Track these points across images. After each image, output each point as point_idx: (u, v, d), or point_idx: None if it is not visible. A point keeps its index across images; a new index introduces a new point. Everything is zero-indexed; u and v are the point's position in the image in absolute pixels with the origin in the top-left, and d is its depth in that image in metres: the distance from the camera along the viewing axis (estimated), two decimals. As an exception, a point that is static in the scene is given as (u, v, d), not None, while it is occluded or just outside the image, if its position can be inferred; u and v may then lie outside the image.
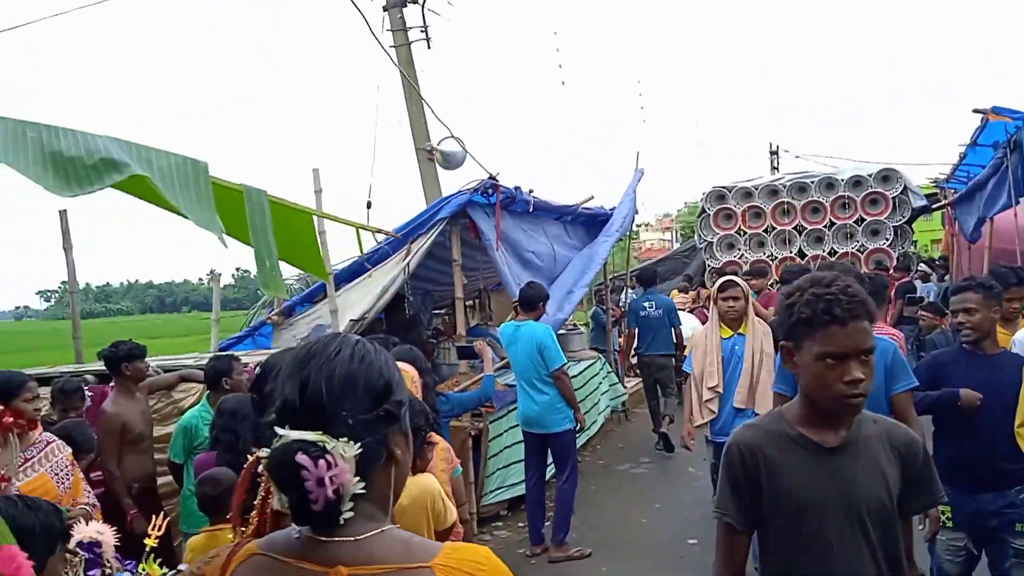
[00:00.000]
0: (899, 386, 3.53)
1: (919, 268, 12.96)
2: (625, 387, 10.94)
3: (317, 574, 1.17)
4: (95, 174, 1.23)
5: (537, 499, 6.23)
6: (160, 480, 5.31)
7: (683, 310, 10.61)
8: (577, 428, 6.11)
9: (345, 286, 7.39)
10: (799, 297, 1.97)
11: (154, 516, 3.18)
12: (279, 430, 1.18)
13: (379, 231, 3.07)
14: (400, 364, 3.46)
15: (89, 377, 5.74)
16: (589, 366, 9.32)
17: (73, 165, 1.22)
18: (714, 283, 8.66)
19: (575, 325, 10.87)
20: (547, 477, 6.49)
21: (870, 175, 13.21)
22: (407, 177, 10.97)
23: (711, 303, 5.38)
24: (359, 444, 1.17)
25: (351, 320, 7.06)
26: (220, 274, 8.30)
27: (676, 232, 46.50)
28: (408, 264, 7.08)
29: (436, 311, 10.48)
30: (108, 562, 2.22)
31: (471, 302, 11.39)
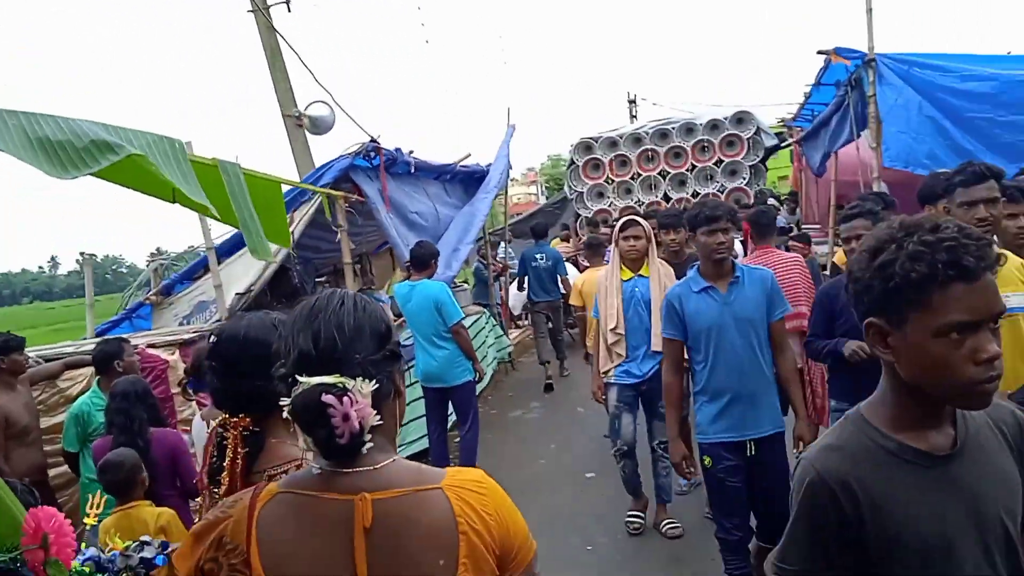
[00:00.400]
0: (778, 312, 3.76)
1: (770, 204, 13.81)
2: (509, 339, 11.23)
3: (343, 502, 1.27)
4: (89, 156, 1.25)
5: (441, 452, 6.38)
6: (53, 472, 5.13)
7: (568, 259, 11.07)
8: (476, 379, 6.29)
9: (226, 260, 7.21)
10: (897, 251, 1.39)
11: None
12: (299, 378, 1.27)
13: (347, 197, 3.05)
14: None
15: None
16: (476, 320, 9.51)
17: (63, 149, 1.23)
18: (591, 229, 8.93)
19: (460, 282, 11.01)
20: (448, 429, 6.66)
21: (726, 118, 13.91)
22: (278, 145, 10.67)
23: (612, 244, 5.18)
24: (373, 381, 1.28)
25: (236, 294, 6.93)
26: (93, 255, 7.87)
27: (541, 185, 47.23)
28: (293, 233, 6.97)
29: (318, 279, 10.36)
30: (112, 540, 2.22)
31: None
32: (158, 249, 9.84)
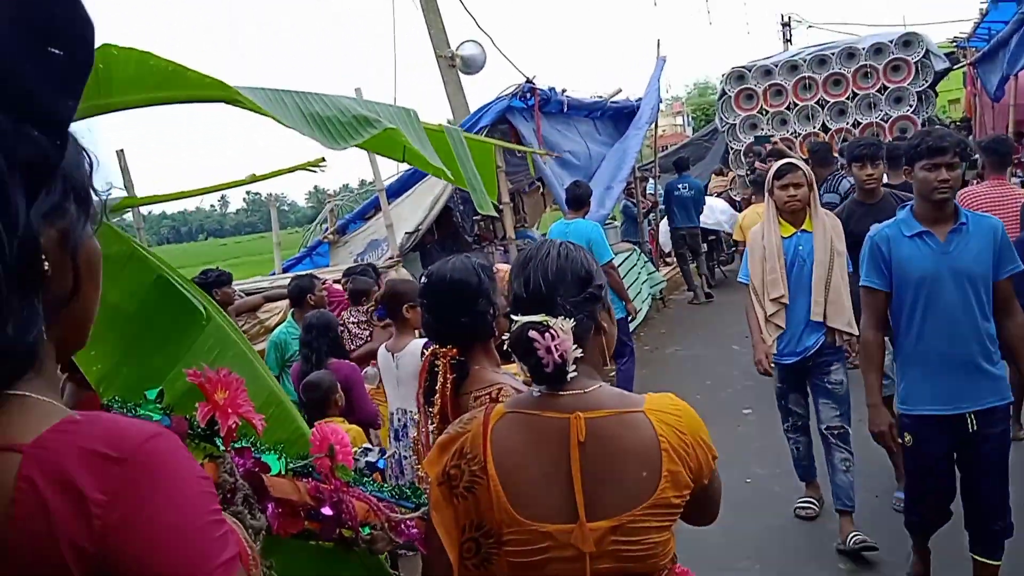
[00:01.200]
0: (1007, 269, 3.20)
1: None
2: (661, 275, 11.31)
3: (560, 420, 1.51)
4: (353, 130, 1.52)
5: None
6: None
7: (719, 194, 11.08)
8: (630, 317, 6.47)
9: (395, 200, 7.67)
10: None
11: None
12: (514, 316, 1.52)
13: (544, 154, 3.30)
14: (502, 265, 3.85)
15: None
16: (627, 258, 9.64)
17: (332, 123, 1.51)
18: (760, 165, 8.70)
19: (609, 220, 11.14)
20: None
21: (891, 41, 13.11)
22: (431, 85, 11.02)
23: (766, 195, 4.35)
24: (573, 320, 1.51)
25: (406, 233, 7.39)
26: (259, 195, 8.55)
27: (687, 115, 45.89)
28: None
29: (475, 217, 10.76)
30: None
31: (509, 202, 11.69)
32: (315, 187, 10.52)
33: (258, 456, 1.35)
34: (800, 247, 4.19)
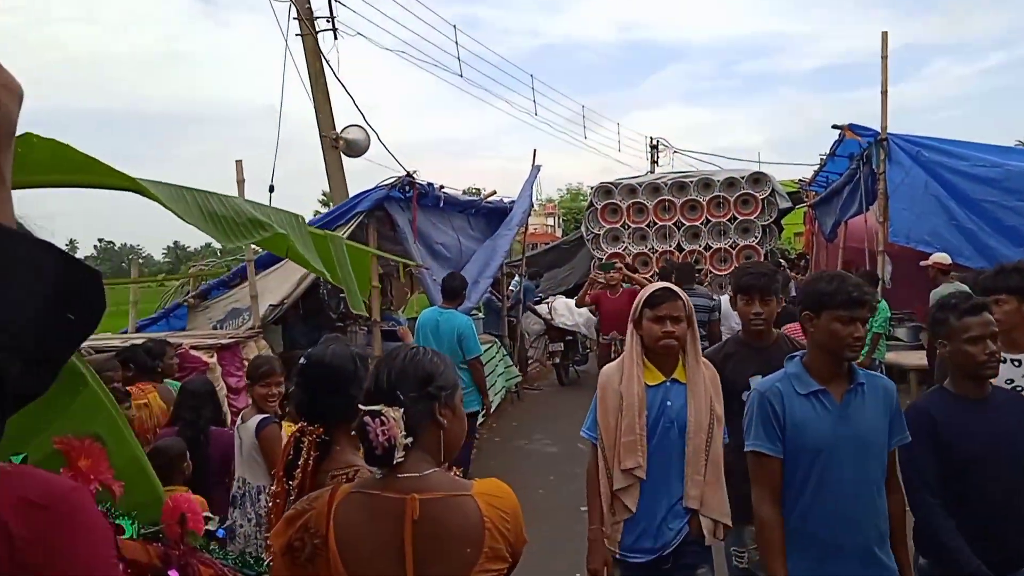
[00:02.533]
0: (897, 439, 2.82)
1: (779, 265, 14.28)
2: (517, 370, 11.66)
3: (397, 500, 1.72)
4: (247, 231, 1.73)
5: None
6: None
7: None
8: (483, 412, 6.70)
9: (263, 272, 7.71)
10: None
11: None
12: (361, 407, 1.75)
13: (417, 265, 3.53)
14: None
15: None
16: (487, 349, 9.94)
17: (228, 222, 1.72)
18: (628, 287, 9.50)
19: (473, 312, 11.49)
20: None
21: (743, 177, 14.40)
22: (307, 161, 11.23)
23: (630, 326, 3.28)
24: (402, 410, 1.74)
25: (270, 305, 7.41)
26: (112, 243, 8.38)
27: (559, 217, 47.73)
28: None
29: (342, 294, 10.85)
30: None
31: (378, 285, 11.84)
32: (175, 243, 10.36)
33: (113, 520, 1.49)
34: (668, 403, 3.16)
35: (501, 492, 1.82)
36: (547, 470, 8.09)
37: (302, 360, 2.41)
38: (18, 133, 0.93)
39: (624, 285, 9.45)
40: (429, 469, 1.78)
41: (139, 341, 6.22)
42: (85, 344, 5.91)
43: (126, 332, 7.65)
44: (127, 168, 1.70)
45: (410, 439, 1.74)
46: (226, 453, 4.21)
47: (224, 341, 6.27)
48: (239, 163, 7.13)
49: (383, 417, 1.71)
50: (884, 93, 9.97)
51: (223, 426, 4.69)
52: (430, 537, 1.71)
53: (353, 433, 1.79)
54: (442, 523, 1.72)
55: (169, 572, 1.56)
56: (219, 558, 1.75)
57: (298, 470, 2.26)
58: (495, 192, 10.61)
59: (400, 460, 1.73)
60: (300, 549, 1.72)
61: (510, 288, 12.54)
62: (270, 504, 2.37)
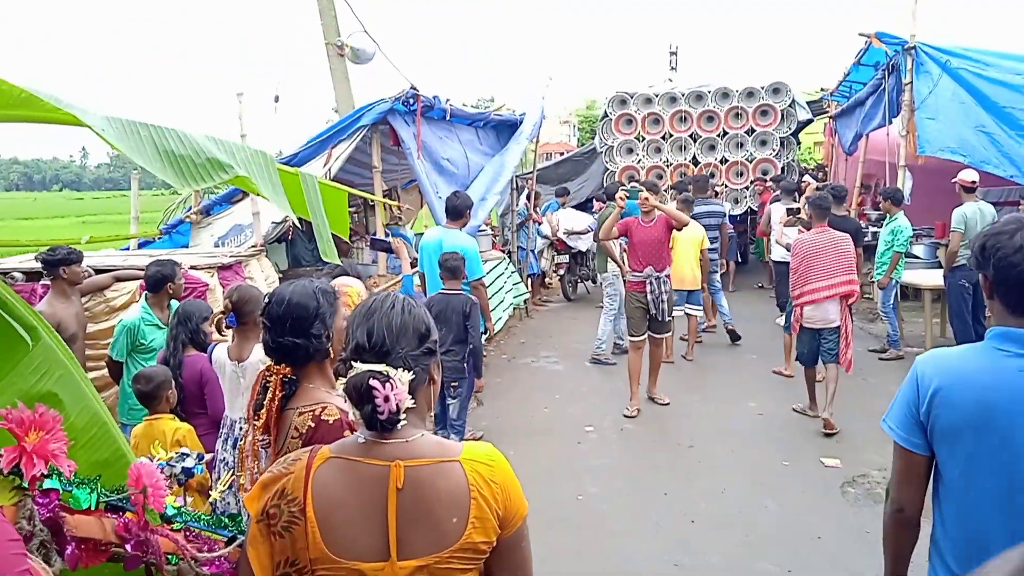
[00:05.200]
0: None
1: (803, 179, 13.87)
2: (526, 287, 11.58)
3: (381, 467, 1.62)
4: (206, 172, 1.57)
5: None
6: (92, 375, 5.53)
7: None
8: (486, 335, 6.61)
9: (265, 188, 7.54)
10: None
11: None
12: (355, 364, 1.61)
13: (397, 205, 3.36)
14: (346, 280, 3.88)
15: (17, 275, 5.82)
16: (495, 266, 9.84)
17: (185, 163, 1.56)
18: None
19: (483, 226, 11.32)
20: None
21: (762, 87, 13.91)
22: (317, 73, 10.89)
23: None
24: (411, 372, 1.62)
25: (272, 222, 7.28)
26: (138, 171, 8.19)
27: (574, 126, 46.82)
28: (330, 168, 7.29)
29: (349, 208, 10.68)
30: (156, 451, 2.61)
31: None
32: (137, 170, 10.12)
33: (64, 499, 1.38)
34: None
35: (491, 459, 1.70)
36: (553, 388, 8.09)
37: (265, 299, 2.30)
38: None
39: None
40: (416, 432, 1.68)
41: (142, 259, 6.14)
42: (88, 262, 5.82)
43: (127, 249, 7.56)
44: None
45: (413, 402, 1.63)
46: (199, 379, 4.13)
47: (225, 260, 6.15)
48: (240, 95, 6.87)
49: (392, 381, 1.58)
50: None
51: (204, 350, 4.58)
52: (415, 506, 1.61)
53: (341, 391, 1.66)
54: (427, 491, 1.62)
55: (126, 547, 1.46)
56: (191, 521, 1.65)
57: (264, 409, 2.18)
58: (504, 105, 10.26)
59: (403, 425, 1.62)
60: (276, 516, 1.62)
61: (520, 203, 12.32)
62: (243, 442, 2.30)
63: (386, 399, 1.57)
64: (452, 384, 5.89)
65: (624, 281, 7.78)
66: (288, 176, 1.87)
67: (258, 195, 1.76)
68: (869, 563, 4.07)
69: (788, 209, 9.02)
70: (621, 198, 7.00)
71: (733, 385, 7.99)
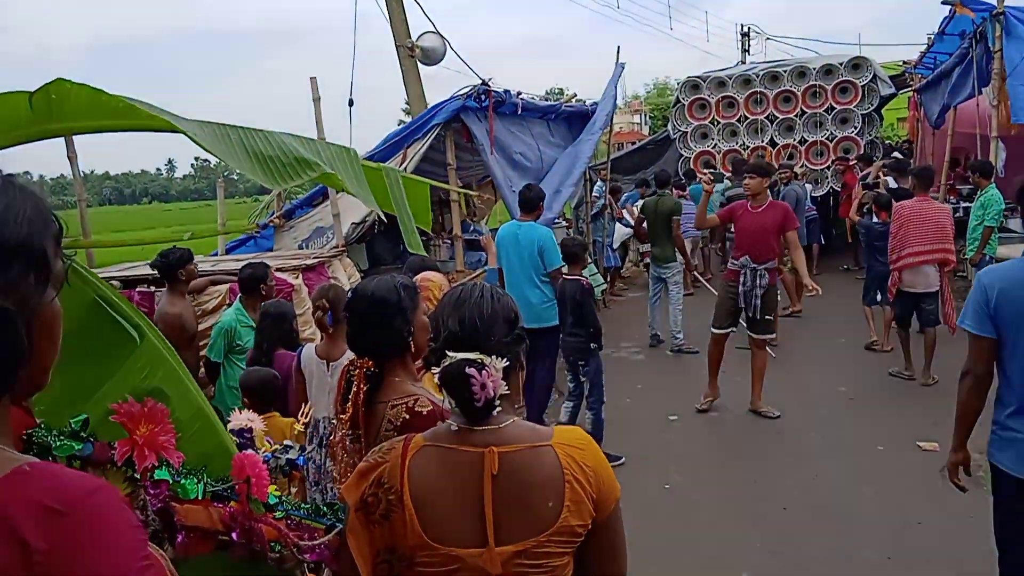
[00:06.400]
0: None
1: (892, 156, 13.38)
2: (605, 278, 11.49)
3: (475, 453, 1.63)
4: (294, 171, 1.61)
5: (543, 384, 6.53)
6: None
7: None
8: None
9: (344, 190, 7.69)
10: None
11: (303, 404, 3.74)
12: (448, 352, 1.63)
13: (476, 195, 3.39)
14: (429, 273, 3.92)
15: (115, 284, 6.08)
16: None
17: (274, 163, 1.60)
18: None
19: (558, 219, 11.29)
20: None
21: (841, 63, 13.47)
22: (389, 74, 11.05)
23: None
24: (504, 359, 1.63)
25: (352, 223, 7.42)
26: (207, 162, 8.46)
27: (645, 115, 46.28)
28: (405, 168, 7.38)
29: (425, 206, 10.81)
30: (263, 445, 2.69)
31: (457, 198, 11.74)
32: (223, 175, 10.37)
33: (174, 490, 1.44)
34: None
35: (582, 443, 1.70)
36: (634, 379, 8.02)
37: (348, 294, 2.35)
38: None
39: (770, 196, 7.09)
40: (507, 419, 1.68)
41: (232, 264, 6.33)
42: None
43: (216, 255, 7.81)
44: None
45: (507, 388, 1.64)
46: (288, 377, 4.23)
47: (308, 262, 6.30)
48: (314, 80, 7.02)
49: (488, 369, 1.59)
50: (1002, -39, 9.06)
51: (296, 349, 4.68)
52: (511, 492, 1.62)
53: (436, 380, 1.68)
54: (522, 476, 1.62)
55: (232, 535, 1.52)
56: (291, 510, 1.69)
57: (349, 404, 2.21)
58: (575, 95, 10.22)
59: (498, 411, 1.64)
60: (374, 505, 1.65)
61: (593, 195, 12.24)
62: (333, 437, 2.34)
63: (483, 386, 1.58)
64: (580, 363, 6.09)
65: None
66: (372, 171, 1.91)
67: (344, 191, 1.80)
68: (972, 549, 3.90)
69: (863, 184, 8.94)
70: (707, 181, 6.73)
71: (822, 370, 7.78)
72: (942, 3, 10.04)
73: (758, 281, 6.45)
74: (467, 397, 1.60)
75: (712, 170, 11.15)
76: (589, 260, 10.66)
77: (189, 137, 1.65)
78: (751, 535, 4.65)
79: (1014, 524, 2.92)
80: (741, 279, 6.50)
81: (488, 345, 1.64)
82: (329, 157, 1.75)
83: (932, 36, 12.55)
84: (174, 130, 1.67)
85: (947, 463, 3.21)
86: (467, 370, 1.58)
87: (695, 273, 10.53)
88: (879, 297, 8.17)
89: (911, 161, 14.40)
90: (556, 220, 10.61)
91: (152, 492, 1.39)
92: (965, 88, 10.68)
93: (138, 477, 1.37)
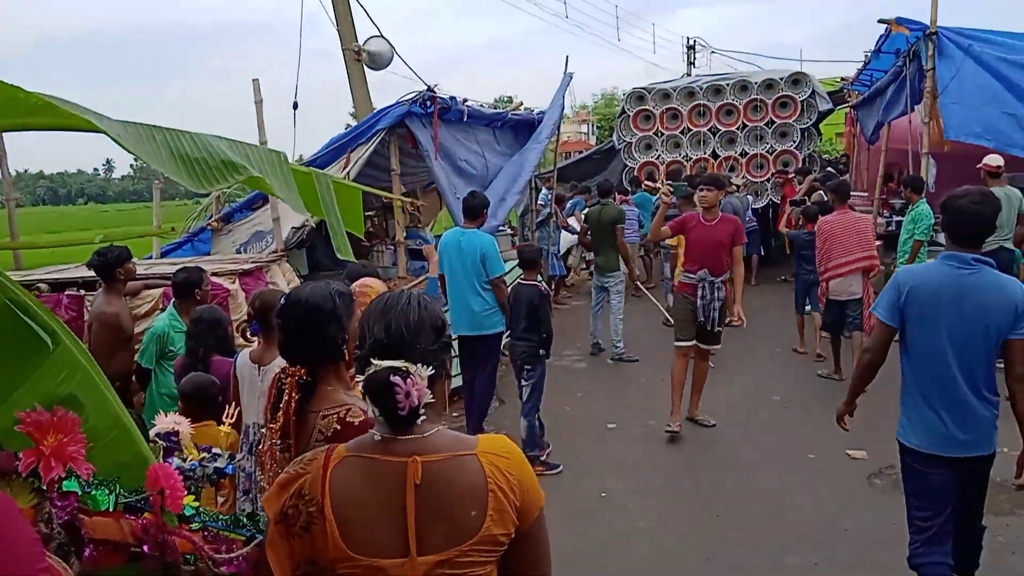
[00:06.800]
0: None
1: (827, 170, 13.73)
2: (549, 286, 11.53)
3: (398, 463, 1.62)
4: (220, 174, 1.58)
5: (483, 391, 6.60)
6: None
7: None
8: (507, 332, 6.59)
9: (285, 193, 7.58)
10: None
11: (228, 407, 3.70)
12: (373, 360, 1.61)
13: (412, 203, 3.38)
14: (369, 280, 3.88)
15: (42, 286, 5.89)
16: (515, 265, 9.80)
17: (200, 165, 1.57)
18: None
19: (503, 226, 11.29)
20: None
21: (782, 78, 13.79)
22: (339, 77, 10.95)
23: None
24: (430, 367, 1.62)
25: (292, 227, 7.32)
26: (160, 182, 8.27)
27: (592, 124, 46.69)
28: (349, 172, 7.32)
29: (367, 213, 10.73)
30: (186, 448, 2.63)
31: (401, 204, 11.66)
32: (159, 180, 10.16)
33: (83, 501, 1.40)
34: None
35: (507, 451, 1.70)
36: (575, 387, 8.06)
37: (281, 300, 2.31)
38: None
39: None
40: (432, 428, 1.68)
41: (167, 268, 6.19)
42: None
43: (151, 258, 7.64)
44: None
45: (432, 397, 1.63)
46: (225, 384, 4.16)
47: (246, 266, 6.19)
48: (256, 81, 6.93)
49: (413, 377, 1.58)
50: (936, -16, 9.38)
51: (231, 355, 4.61)
52: (433, 501, 1.61)
53: (360, 388, 1.66)
54: (446, 486, 1.62)
55: (144, 548, 1.48)
56: (209, 521, 1.66)
57: (280, 412, 2.17)
58: (522, 104, 10.26)
59: (422, 420, 1.63)
60: (294, 517, 1.63)
61: (539, 202, 12.28)
62: (262, 446, 2.30)
63: (407, 395, 1.57)
64: (526, 367, 6.11)
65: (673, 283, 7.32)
66: (302, 176, 1.88)
67: (273, 195, 1.77)
68: (896, 554, 4.02)
69: (791, 201, 9.38)
70: (666, 193, 6.69)
71: (757, 378, 7.94)
72: (878, 21, 10.34)
73: (715, 294, 6.42)
74: (391, 406, 1.59)
75: (673, 182, 11.30)
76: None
77: (111, 137, 1.61)
78: (685, 542, 4.72)
79: (917, 485, 3.51)
80: (700, 292, 6.41)
81: (414, 353, 1.62)
82: (258, 160, 1.73)
83: (869, 54, 12.92)
84: (95, 130, 1.63)
85: (837, 410, 3.94)
86: (392, 378, 1.57)
87: (637, 283, 10.61)
88: (808, 305, 8.62)
89: (848, 176, 14.82)
90: (501, 228, 10.63)
91: (59, 504, 1.35)
92: (899, 105, 11.02)
93: (44, 488, 1.33)
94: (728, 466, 5.81)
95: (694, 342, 6.60)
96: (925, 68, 9.49)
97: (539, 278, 6.29)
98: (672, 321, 7.18)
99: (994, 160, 8.02)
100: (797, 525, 4.83)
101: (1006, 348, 3.28)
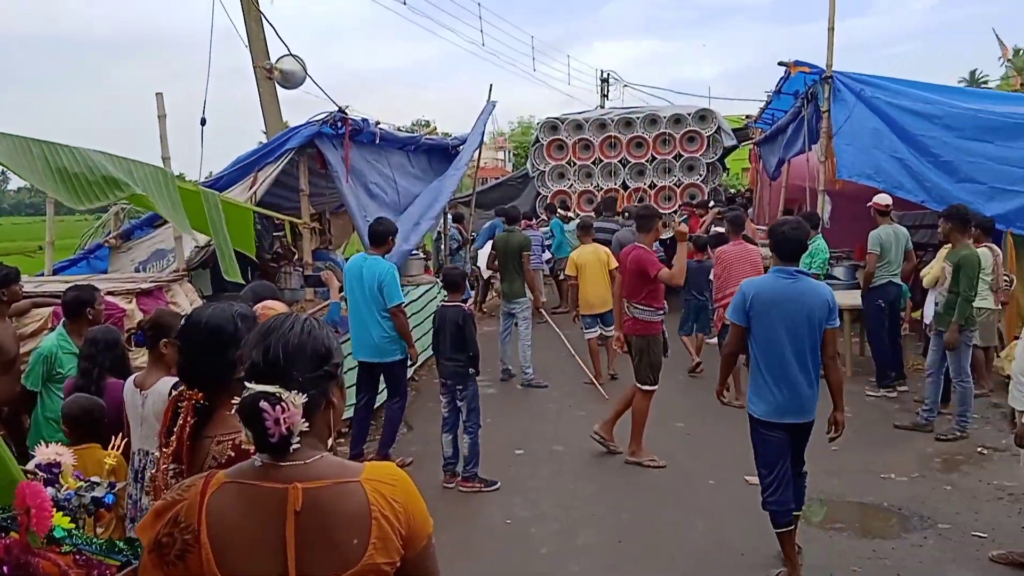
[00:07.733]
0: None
1: (733, 203, 14.20)
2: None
3: (279, 490, 1.57)
4: (100, 191, 1.53)
5: (363, 417, 6.61)
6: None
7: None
8: (410, 361, 6.56)
9: (188, 211, 7.38)
10: None
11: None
12: (247, 384, 1.57)
13: (304, 224, 3.32)
14: (272, 303, 3.79)
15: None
16: (427, 290, 9.78)
17: (79, 181, 1.51)
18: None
19: (416, 251, 11.24)
20: (377, 402, 6.89)
21: (689, 114, 14.26)
22: (251, 95, 10.75)
23: None
24: (305, 395, 1.58)
25: (196, 246, 7.12)
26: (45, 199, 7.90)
27: (509, 152, 47.15)
28: (256, 192, 7.17)
29: (276, 233, 10.53)
30: (68, 481, 2.49)
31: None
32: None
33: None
34: None
35: (393, 479, 1.68)
36: (485, 412, 7.93)
37: (181, 321, 2.23)
38: None
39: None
40: (316, 454, 1.63)
41: (59, 286, 5.90)
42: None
43: (42, 275, 7.28)
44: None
45: (307, 425, 1.58)
46: (119, 407, 4.00)
47: (144, 285, 5.96)
48: (160, 96, 6.72)
49: (284, 404, 1.53)
50: (831, 30, 9.90)
51: (126, 376, 4.43)
52: (314, 529, 1.57)
53: (234, 411, 1.61)
54: (327, 513, 1.58)
55: (3, 569, 1.39)
56: (83, 544, 1.58)
57: (174, 437, 2.09)
58: (436, 128, 10.28)
59: (296, 448, 1.58)
60: (169, 545, 1.56)
61: (450, 235, 12.29)
62: (155, 470, 2.21)
63: (276, 422, 1.53)
64: (458, 388, 6.15)
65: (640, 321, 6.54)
66: (189, 194, 1.84)
67: (155, 213, 1.72)
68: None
69: (690, 237, 9.74)
70: (677, 223, 7.35)
71: (662, 406, 8.05)
72: (778, 64, 10.81)
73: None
74: (261, 431, 1.55)
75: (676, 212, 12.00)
76: (469, 288, 10.69)
77: (-19, 150, 1.54)
78: (586, 568, 4.74)
79: (762, 446, 4.52)
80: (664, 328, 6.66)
81: (289, 379, 1.58)
82: (142, 177, 1.68)
83: (770, 93, 13.47)
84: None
85: (715, 390, 5.19)
86: (261, 404, 1.53)
87: (541, 309, 10.65)
88: (695, 327, 9.36)
89: (752, 210, 15.38)
90: (414, 252, 10.60)
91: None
92: (797, 143, 11.54)
93: None
94: (632, 492, 5.89)
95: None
96: (821, 109, 9.99)
97: (464, 298, 6.41)
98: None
99: (883, 199, 8.44)
100: (696, 550, 4.92)
101: (824, 335, 4.39)
